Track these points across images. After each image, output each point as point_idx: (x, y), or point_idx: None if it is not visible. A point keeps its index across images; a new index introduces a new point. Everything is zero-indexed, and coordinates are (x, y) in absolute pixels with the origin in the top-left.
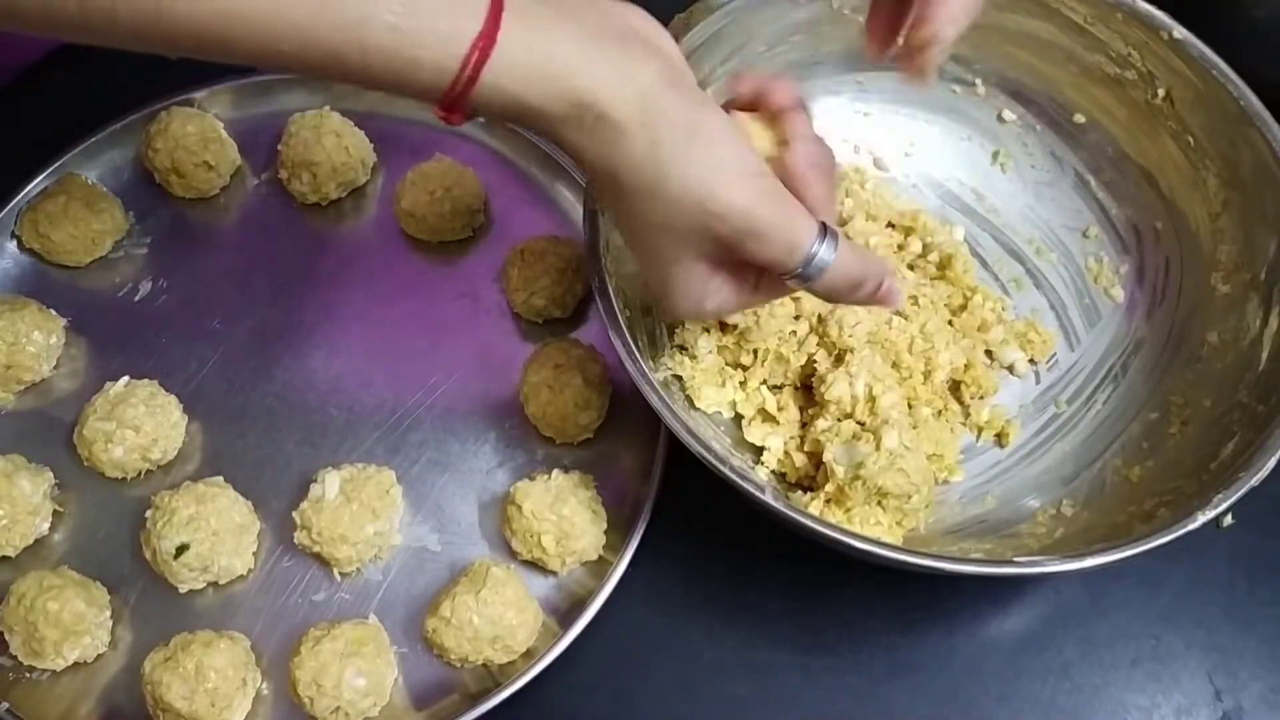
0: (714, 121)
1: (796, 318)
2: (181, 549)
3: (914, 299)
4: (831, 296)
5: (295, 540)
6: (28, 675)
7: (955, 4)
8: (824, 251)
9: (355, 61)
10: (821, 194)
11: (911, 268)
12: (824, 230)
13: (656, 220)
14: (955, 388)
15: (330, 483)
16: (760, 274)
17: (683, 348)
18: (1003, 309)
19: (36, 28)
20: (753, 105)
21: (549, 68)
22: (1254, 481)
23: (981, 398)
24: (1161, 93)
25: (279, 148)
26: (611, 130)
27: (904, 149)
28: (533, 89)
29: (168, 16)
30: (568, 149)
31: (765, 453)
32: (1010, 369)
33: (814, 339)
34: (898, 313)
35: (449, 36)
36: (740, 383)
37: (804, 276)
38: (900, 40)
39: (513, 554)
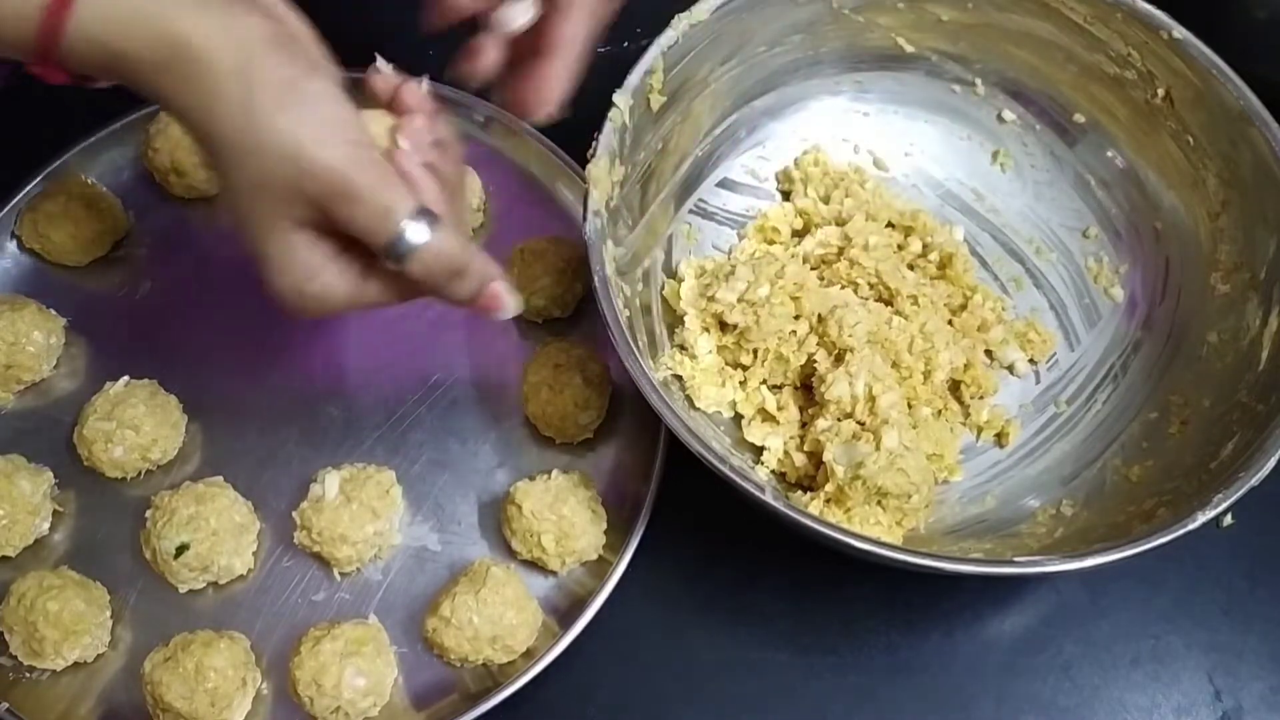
0: (319, 84)
1: (796, 317)
2: (181, 549)
3: (914, 299)
4: (430, 284)
5: (295, 540)
6: (28, 675)
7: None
8: (418, 227)
9: None
10: (427, 188)
11: (911, 267)
12: (423, 211)
13: (251, 178)
14: (955, 387)
15: (330, 483)
16: (369, 262)
17: (683, 348)
18: (1003, 309)
19: None
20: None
21: (141, 10)
22: (1254, 481)
23: (981, 398)
24: (1161, 92)
25: None
26: (207, 78)
27: (904, 149)
28: (125, 33)
29: None
30: (164, 102)
31: (765, 452)
32: (1010, 369)
33: (814, 339)
34: (897, 312)
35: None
36: (740, 382)
37: (397, 253)
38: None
39: (513, 554)
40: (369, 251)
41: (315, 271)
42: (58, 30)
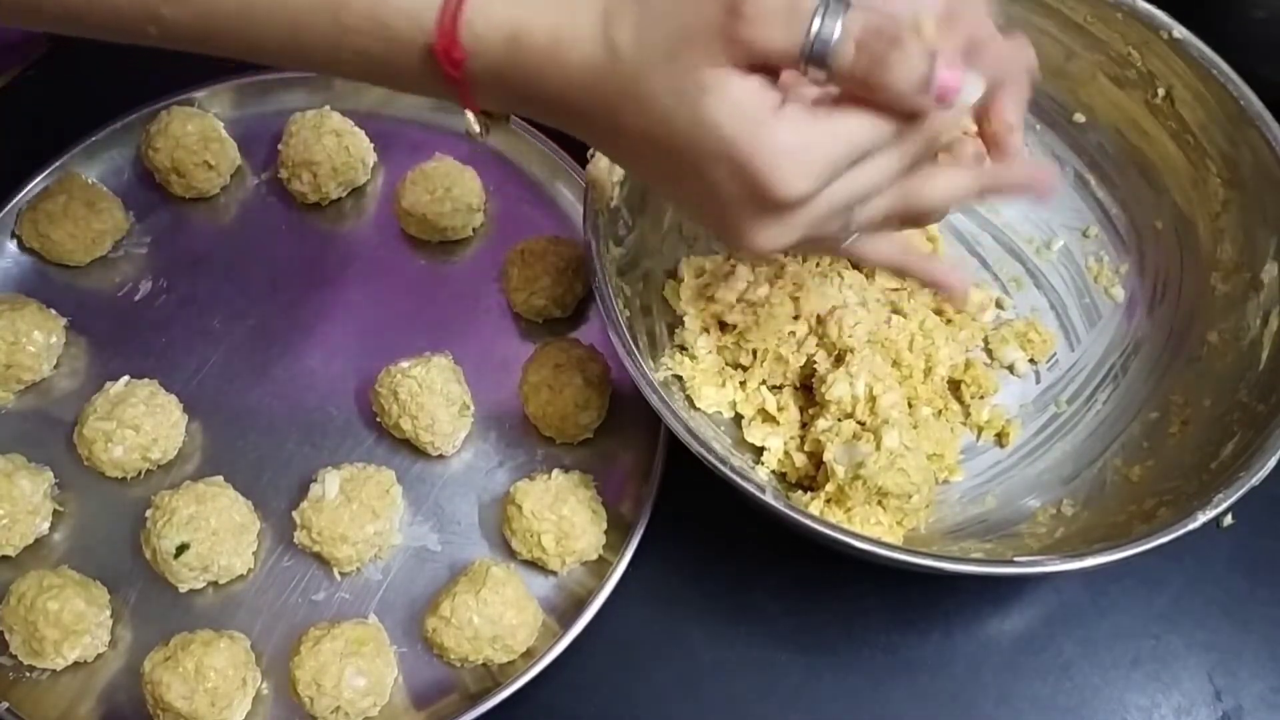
0: None
1: (796, 318)
2: (181, 549)
3: (911, 294)
4: (867, 74)
5: (295, 540)
6: (28, 675)
7: (1012, 92)
8: (830, 13)
9: (330, 38)
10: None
11: None
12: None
13: (655, 61)
14: (955, 387)
15: (330, 482)
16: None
17: (683, 348)
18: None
19: (21, 18)
20: None
21: None
22: (1254, 481)
23: (981, 397)
24: (1161, 92)
25: (279, 147)
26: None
27: None
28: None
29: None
30: (573, 88)
31: (765, 453)
32: (1010, 369)
33: (813, 339)
34: (896, 311)
35: None
36: (740, 383)
37: (821, 46)
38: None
39: (513, 554)
40: None
41: (777, 103)
42: (456, 13)
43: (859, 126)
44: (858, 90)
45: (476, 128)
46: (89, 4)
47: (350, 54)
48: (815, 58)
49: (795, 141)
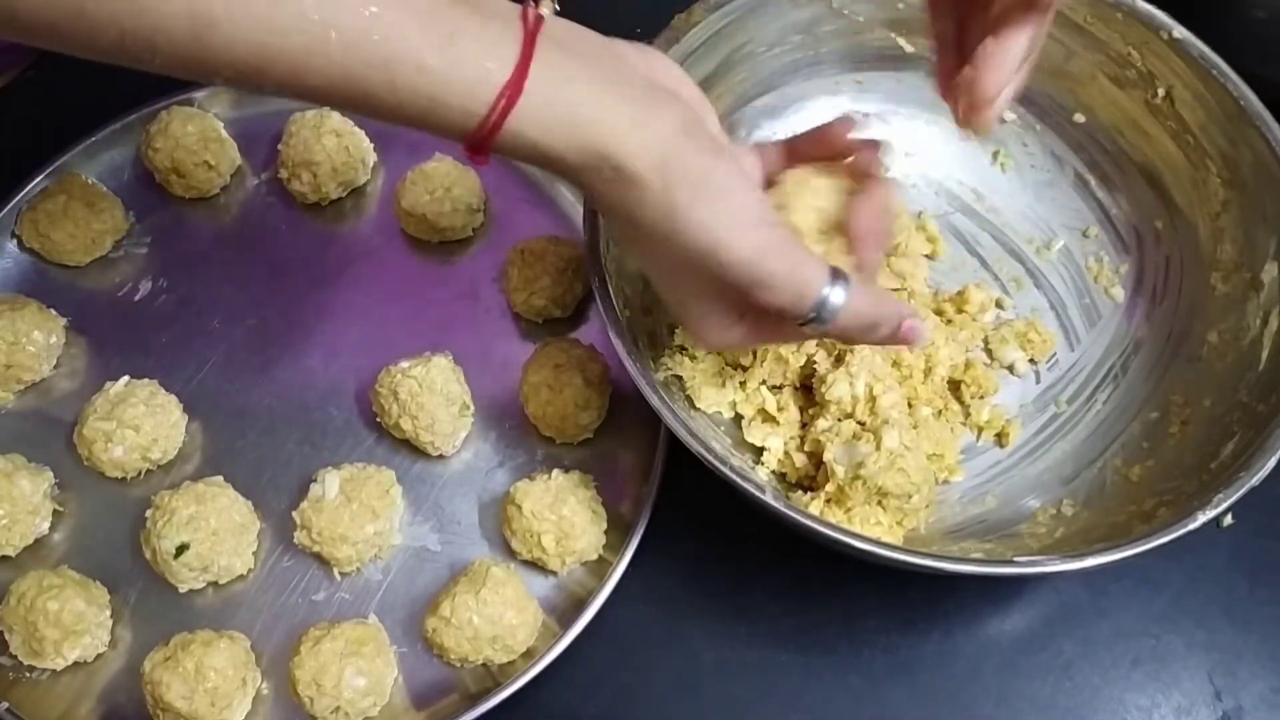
0: (725, 170)
1: None
2: (181, 549)
3: (911, 293)
4: (847, 339)
5: (295, 540)
6: (28, 675)
7: (1006, 64)
8: (833, 298)
9: (384, 100)
10: (869, 259)
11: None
12: (834, 276)
13: (674, 261)
14: (955, 387)
15: (330, 482)
16: (779, 314)
17: (683, 348)
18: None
19: (80, 51)
20: (816, 146)
21: (572, 118)
22: (1254, 481)
23: (981, 397)
24: (1161, 92)
25: (279, 147)
26: (629, 181)
27: (904, 149)
28: (555, 137)
29: (207, 48)
30: (586, 193)
31: (765, 453)
32: (1010, 369)
33: (813, 340)
34: None
35: (477, 82)
36: (740, 383)
37: (817, 321)
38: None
39: (513, 554)
40: None
41: (729, 327)
42: (499, 128)
43: (788, 336)
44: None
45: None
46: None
47: (393, 117)
48: (812, 327)
49: (732, 340)
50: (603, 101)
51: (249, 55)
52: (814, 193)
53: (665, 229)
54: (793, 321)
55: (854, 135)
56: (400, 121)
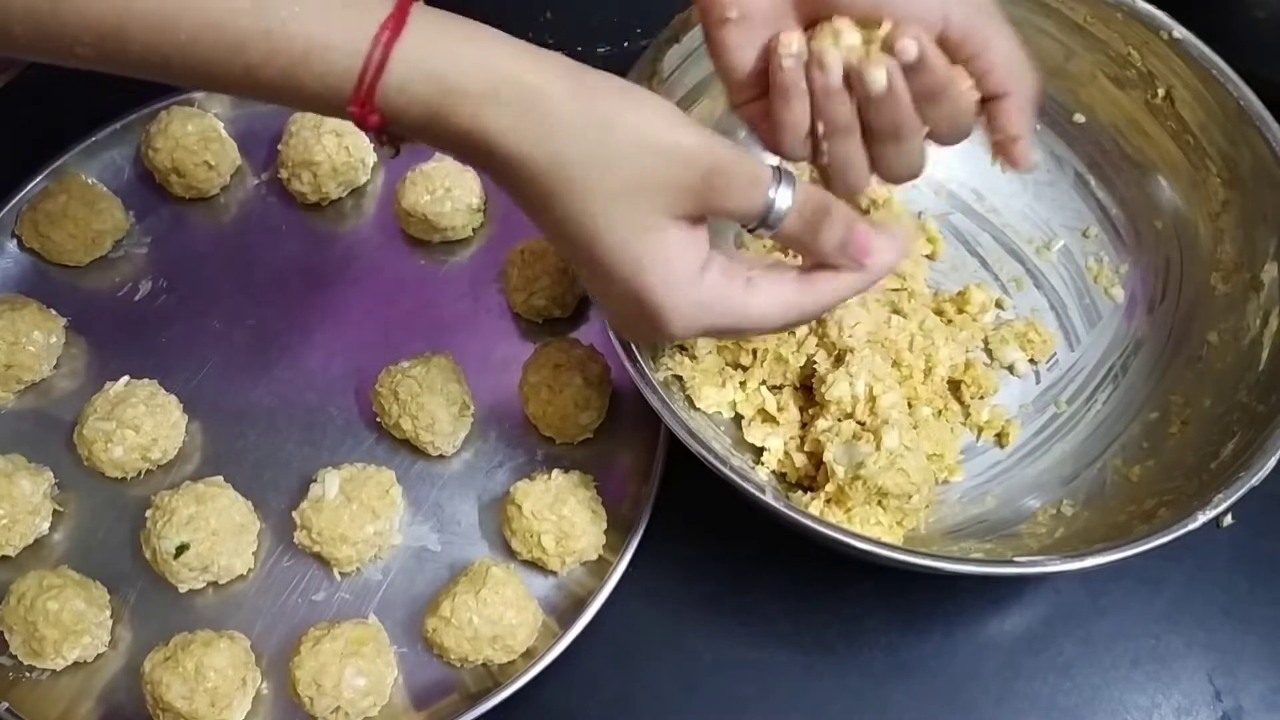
0: (640, 89)
1: None
2: (181, 549)
3: (911, 293)
4: (803, 239)
5: (295, 540)
6: (28, 675)
7: (1014, 103)
8: (784, 186)
9: (258, 50)
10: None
11: None
12: (780, 170)
13: (613, 189)
14: (955, 387)
15: (330, 482)
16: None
17: (683, 348)
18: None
19: None
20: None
21: (466, 45)
22: (1254, 481)
23: (981, 397)
24: (1161, 92)
25: (279, 147)
26: (541, 101)
27: None
28: (452, 65)
29: (65, 11)
30: (495, 143)
31: (765, 453)
32: (1010, 369)
33: (813, 339)
34: (896, 311)
35: (357, 21)
36: (740, 383)
37: (773, 217)
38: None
39: (513, 554)
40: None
41: (703, 263)
42: (384, 63)
43: (762, 303)
44: (793, 248)
45: (386, 153)
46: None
47: (268, 94)
48: (766, 223)
49: (695, 306)
50: (497, 36)
51: (106, 15)
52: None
53: (599, 148)
54: (745, 227)
55: None
56: (273, 84)
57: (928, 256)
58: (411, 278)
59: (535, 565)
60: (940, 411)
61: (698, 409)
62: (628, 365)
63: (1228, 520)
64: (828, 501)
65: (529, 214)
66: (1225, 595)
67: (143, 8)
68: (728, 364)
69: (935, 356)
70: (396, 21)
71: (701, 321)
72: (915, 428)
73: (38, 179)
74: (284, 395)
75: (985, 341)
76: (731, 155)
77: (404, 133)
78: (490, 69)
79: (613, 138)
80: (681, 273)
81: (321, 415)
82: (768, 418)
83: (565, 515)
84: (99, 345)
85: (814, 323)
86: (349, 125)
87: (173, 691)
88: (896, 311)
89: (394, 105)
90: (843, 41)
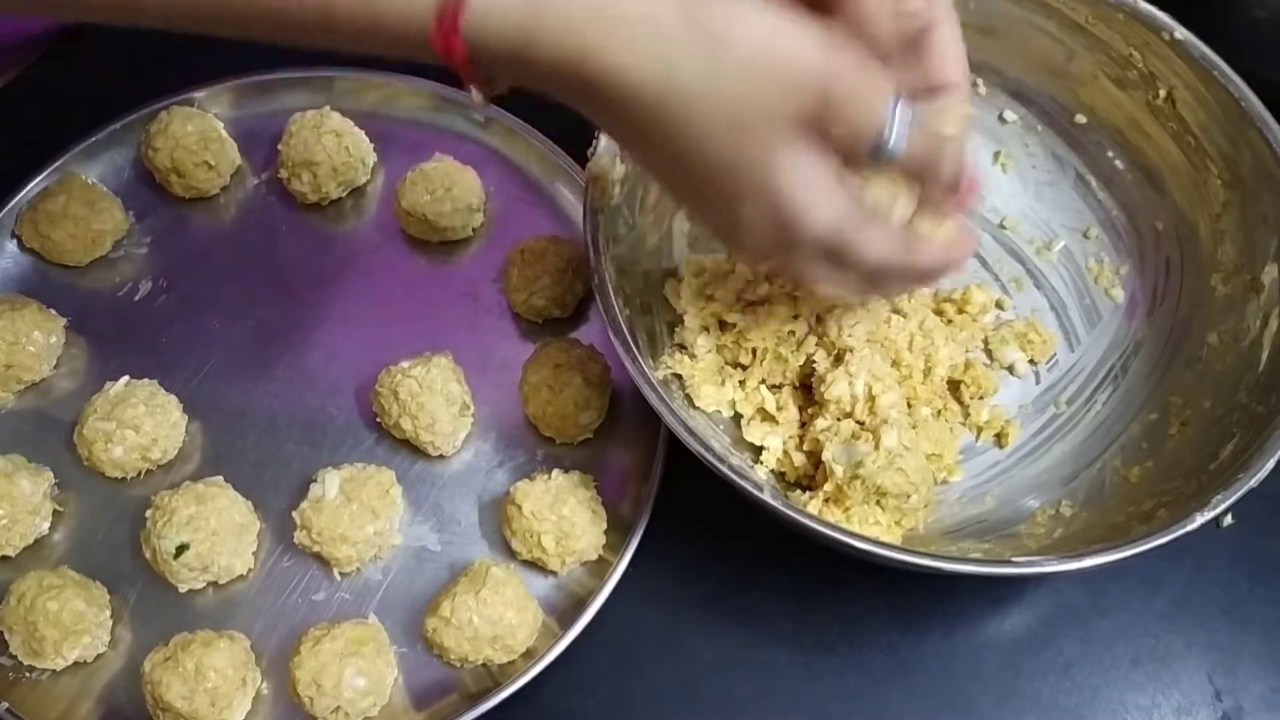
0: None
1: (795, 317)
2: (181, 549)
3: (910, 294)
4: (921, 167)
5: (295, 540)
6: (28, 675)
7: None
8: (904, 109)
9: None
10: (957, 77)
11: None
12: (899, 92)
13: (729, 113)
14: (955, 388)
15: (330, 483)
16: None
17: (682, 346)
18: (995, 303)
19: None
20: None
21: None
22: (1253, 482)
23: (981, 398)
24: (1163, 93)
25: (279, 147)
26: (643, 22)
27: None
28: None
29: None
30: (598, 67)
31: (764, 452)
32: (1010, 369)
33: (813, 339)
34: (895, 311)
35: None
36: (740, 382)
37: (891, 141)
38: None
39: (513, 554)
40: None
41: (834, 179)
42: (457, 17)
43: (876, 236)
44: (911, 172)
45: (478, 98)
46: None
47: (344, 34)
48: (885, 149)
49: (830, 201)
50: None
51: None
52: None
53: (710, 65)
54: (860, 152)
55: None
56: (361, 24)
57: None
58: (411, 278)
59: (535, 565)
60: (939, 411)
61: (697, 408)
62: (628, 365)
63: (1227, 520)
64: (826, 501)
65: (631, 146)
66: (1225, 595)
67: None
68: (727, 363)
69: (935, 356)
70: None
71: (838, 215)
72: (914, 427)
73: (38, 179)
74: (284, 395)
75: (985, 342)
76: (851, 72)
77: (492, 68)
78: None
79: (725, 54)
80: (813, 174)
81: (321, 415)
82: (767, 417)
83: (565, 515)
84: (99, 345)
85: (813, 321)
86: (349, 125)
87: (173, 691)
88: (896, 311)
89: (482, 31)
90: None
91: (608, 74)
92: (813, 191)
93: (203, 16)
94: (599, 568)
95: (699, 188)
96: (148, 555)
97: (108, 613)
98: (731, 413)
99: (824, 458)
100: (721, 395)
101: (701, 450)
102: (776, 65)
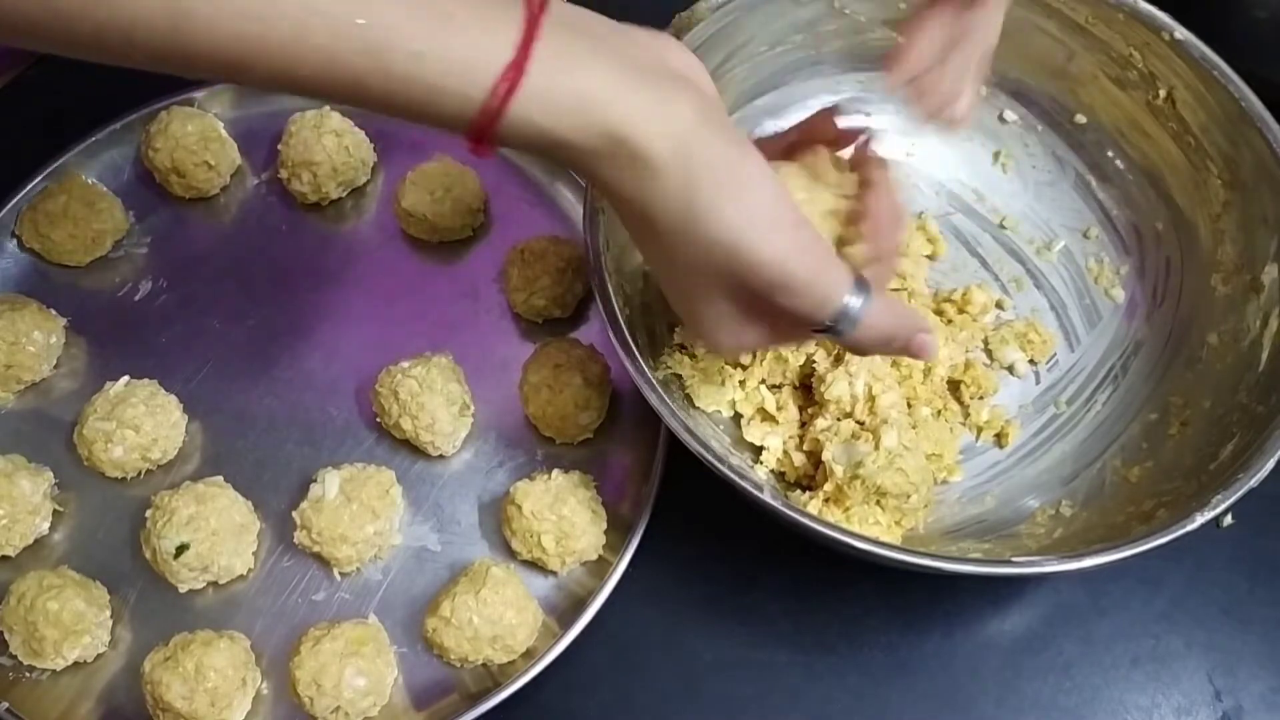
0: (751, 165)
1: None
2: (181, 549)
3: (911, 294)
4: (859, 350)
5: (295, 540)
6: (28, 675)
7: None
8: (854, 306)
9: (378, 89)
10: (889, 247)
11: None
12: (858, 284)
13: (689, 261)
14: (955, 388)
15: (330, 483)
16: (794, 318)
17: (682, 346)
18: (995, 303)
19: (55, 47)
20: (805, 138)
21: (582, 101)
22: (1253, 482)
23: (981, 398)
24: (1163, 93)
25: (279, 147)
26: (645, 168)
27: (905, 149)
28: (563, 122)
29: (186, 38)
30: (599, 184)
31: (764, 452)
32: (1010, 369)
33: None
34: None
35: (477, 66)
36: (740, 382)
37: (833, 331)
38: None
39: (512, 554)
40: None
41: (742, 332)
42: (501, 114)
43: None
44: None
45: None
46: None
47: (387, 108)
48: (829, 335)
49: (743, 344)
50: (615, 83)
51: (229, 45)
52: (808, 186)
53: (684, 223)
54: (807, 328)
55: (841, 123)
56: (399, 112)
57: (928, 257)
58: (411, 278)
59: (535, 565)
60: (939, 411)
61: (697, 408)
62: (628, 365)
63: (1227, 520)
64: (826, 501)
65: (633, 239)
66: (1225, 595)
67: (264, 47)
68: (727, 363)
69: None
70: (515, 72)
71: (746, 347)
72: (914, 427)
73: (38, 179)
74: (284, 395)
75: (985, 342)
76: (806, 275)
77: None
78: (596, 127)
79: (698, 225)
80: (724, 333)
81: (321, 415)
82: (767, 417)
83: (565, 515)
84: (99, 345)
85: None
86: (349, 125)
87: (173, 691)
88: None
89: (506, 141)
90: None
91: (605, 190)
92: (720, 336)
93: (248, 84)
94: (599, 568)
95: (665, 285)
96: (148, 555)
97: (108, 613)
98: (731, 413)
99: (824, 458)
100: (721, 395)
101: (701, 450)
102: (736, 251)
